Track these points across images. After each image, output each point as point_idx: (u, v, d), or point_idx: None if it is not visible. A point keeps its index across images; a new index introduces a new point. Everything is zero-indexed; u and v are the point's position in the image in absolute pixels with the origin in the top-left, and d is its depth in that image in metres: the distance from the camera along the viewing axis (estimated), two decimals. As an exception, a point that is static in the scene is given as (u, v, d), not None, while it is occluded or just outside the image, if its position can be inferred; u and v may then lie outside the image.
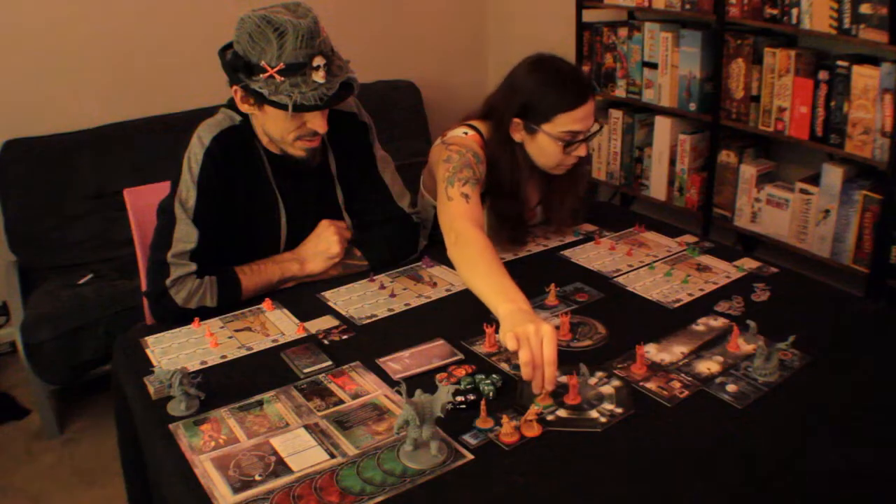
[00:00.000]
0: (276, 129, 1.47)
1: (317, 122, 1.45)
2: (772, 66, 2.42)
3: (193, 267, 1.46)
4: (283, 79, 1.35)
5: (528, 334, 1.13)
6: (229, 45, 1.46)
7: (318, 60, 1.36)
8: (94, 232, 2.71)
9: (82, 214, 2.71)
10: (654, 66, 2.81)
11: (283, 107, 1.36)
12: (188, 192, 1.47)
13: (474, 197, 1.51)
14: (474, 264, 1.35)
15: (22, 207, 2.64)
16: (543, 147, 1.62)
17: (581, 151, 1.62)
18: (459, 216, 1.46)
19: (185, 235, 1.46)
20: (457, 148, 1.61)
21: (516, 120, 1.61)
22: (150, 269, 1.48)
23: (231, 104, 1.55)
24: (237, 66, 1.38)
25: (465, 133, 1.66)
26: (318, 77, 1.37)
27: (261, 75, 1.36)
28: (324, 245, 1.60)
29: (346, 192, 1.68)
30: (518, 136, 1.64)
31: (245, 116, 1.53)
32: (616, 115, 3.04)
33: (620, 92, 2.98)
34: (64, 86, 2.81)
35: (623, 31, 2.90)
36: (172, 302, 1.44)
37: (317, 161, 1.57)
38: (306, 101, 1.36)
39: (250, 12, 1.38)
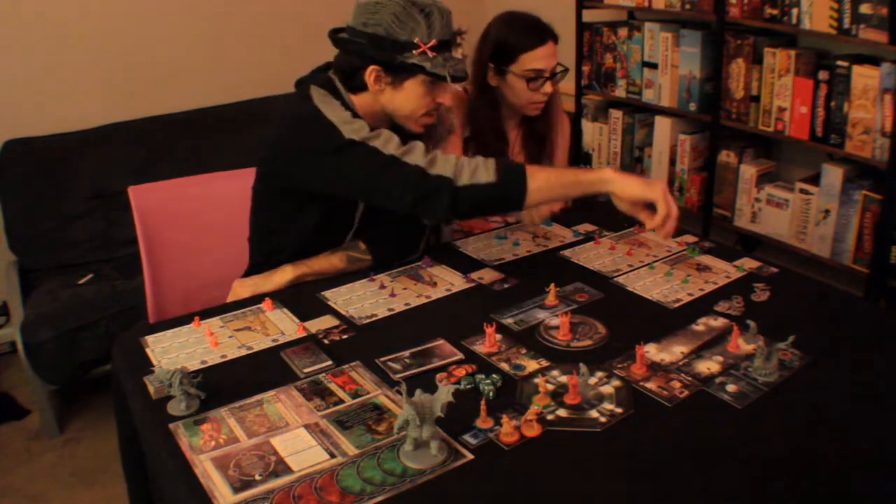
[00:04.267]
0: (409, 105, 1.53)
1: (447, 96, 1.56)
2: (772, 66, 2.42)
3: (423, 145, 1.44)
4: (434, 54, 1.45)
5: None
6: (340, 30, 1.51)
7: (458, 39, 1.51)
8: (94, 232, 2.71)
9: (82, 214, 2.71)
10: (654, 66, 2.81)
11: (443, 78, 1.46)
12: (354, 125, 1.44)
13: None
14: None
15: (22, 207, 2.64)
16: (513, 86, 1.85)
17: (547, 88, 1.84)
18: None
19: (389, 137, 1.44)
20: None
21: (490, 64, 1.84)
22: (395, 183, 1.41)
23: (304, 91, 1.52)
24: (383, 45, 1.44)
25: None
26: (458, 53, 1.51)
27: (413, 51, 1.44)
28: (651, 192, 1.53)
29: None
30: (493, 80, 1.87)
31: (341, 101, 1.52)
32: (616, 115, 3.04)
33: (620, 92, 2.98)
34: (64, 86, 2.81)
35: (623, 31, 2.90)
36: (448, 184, 1.40)
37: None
38: (457, 73, 1.48)
39: None
